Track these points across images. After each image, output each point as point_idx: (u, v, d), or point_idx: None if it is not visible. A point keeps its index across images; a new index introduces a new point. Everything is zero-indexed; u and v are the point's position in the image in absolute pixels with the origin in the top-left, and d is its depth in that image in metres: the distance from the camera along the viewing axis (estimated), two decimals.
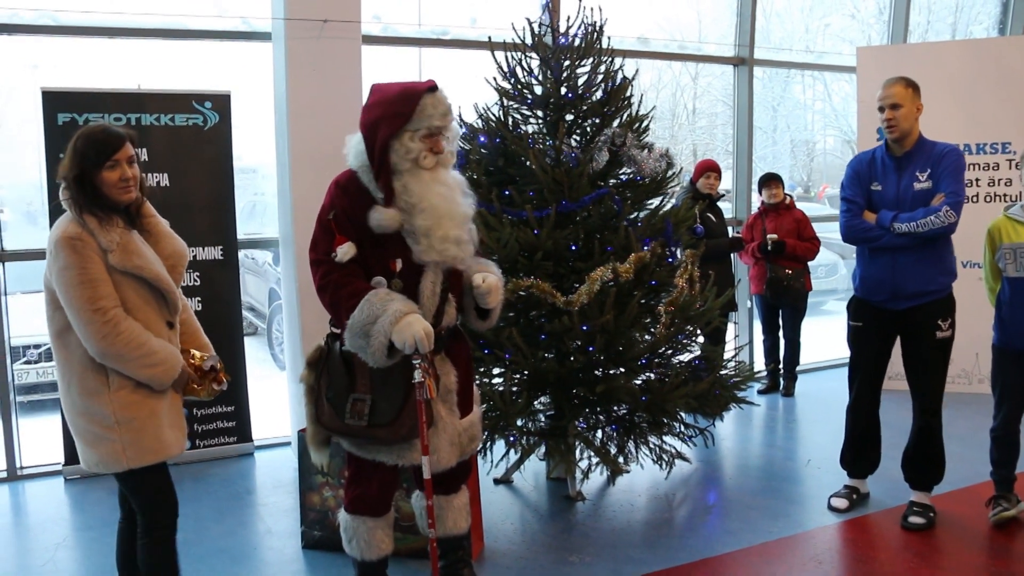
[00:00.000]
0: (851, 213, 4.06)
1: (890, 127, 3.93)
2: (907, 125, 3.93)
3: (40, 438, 5.32)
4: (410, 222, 2.90)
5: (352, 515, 3.18)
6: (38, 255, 4.84)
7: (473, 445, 3.22)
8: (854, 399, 4.34)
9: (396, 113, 2.88)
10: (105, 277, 2.71)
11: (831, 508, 4.38)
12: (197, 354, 3.04)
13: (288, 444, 5.55)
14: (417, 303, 2.92)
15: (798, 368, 6.76)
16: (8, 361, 5.05)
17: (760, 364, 6.88)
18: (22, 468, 5.11)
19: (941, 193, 3.87)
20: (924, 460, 4.18)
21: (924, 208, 3.89)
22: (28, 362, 6.44)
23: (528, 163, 4.45)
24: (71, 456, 4.89)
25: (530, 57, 4.69)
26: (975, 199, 6.57)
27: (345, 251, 2.87)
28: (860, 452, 4.39)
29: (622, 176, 4.64)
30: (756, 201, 6.85)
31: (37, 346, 6.41)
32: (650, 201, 4.65)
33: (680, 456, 4.67)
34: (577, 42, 4.61)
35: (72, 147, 2.76)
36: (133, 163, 2.82)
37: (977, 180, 6.57)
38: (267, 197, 8.64)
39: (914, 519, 4.12)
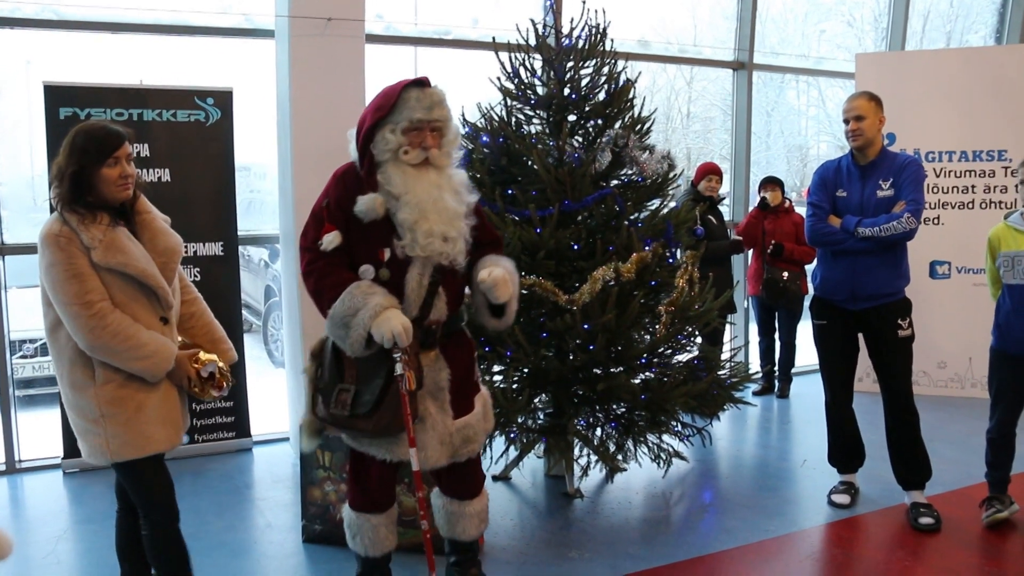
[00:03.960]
0: (817, 217, 4.26)
1: (855, 137, 4.17)
2: (871, 135, 4.15)
3: (37, 432, 5.32)
4: (395, 214, 2.93)
5: (356, 512, 3.19)
6: (33, 249, 4.82)
7: (469, 448, 3.16)
8: (830, 398, 4.47)
9: (377, 107, 2.94)
10: (91, 272, 2.73)
11: (833, 504, 4.46)
12: (203, 356, 3.04)
13: (286, 440, 5.56)
14: (402, 294, 2.95)
15: (793, 370, 6.82)
16: (7, 355, 5.05)
17: (756, 365, 6.92)
18: (20, 461, 5.11)
19: (903, 201, 4.07)
20: (915, 458, 4.28)
21: (887, 215, 4.08)
22: (24, 356, 6.43)
23: (531, 163, 4.48)
24: (70, 450, 4.89)
25: (533, 58, 4.71)
26: (971, 206, 6.64)
27: (331, 240, 2.91)
28: (845, 448, 4.52)
29: (623, 177, 4.67)
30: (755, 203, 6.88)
31: (33, 340, 6.41)
32: (651, 202, 4.69)
33: (678, 455, 4.71)
34: (580, 44, 4.64)
35: (71, 143, 2.76)
36: (131, 161, 2.86)
37: (973, 187, 6.64)
38: (262, 195, 8.65)
39: (924, 520, 4.17)
